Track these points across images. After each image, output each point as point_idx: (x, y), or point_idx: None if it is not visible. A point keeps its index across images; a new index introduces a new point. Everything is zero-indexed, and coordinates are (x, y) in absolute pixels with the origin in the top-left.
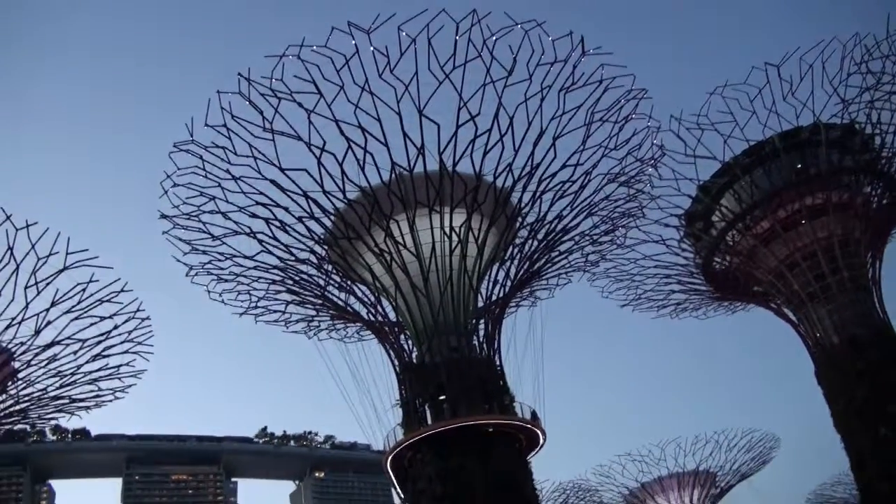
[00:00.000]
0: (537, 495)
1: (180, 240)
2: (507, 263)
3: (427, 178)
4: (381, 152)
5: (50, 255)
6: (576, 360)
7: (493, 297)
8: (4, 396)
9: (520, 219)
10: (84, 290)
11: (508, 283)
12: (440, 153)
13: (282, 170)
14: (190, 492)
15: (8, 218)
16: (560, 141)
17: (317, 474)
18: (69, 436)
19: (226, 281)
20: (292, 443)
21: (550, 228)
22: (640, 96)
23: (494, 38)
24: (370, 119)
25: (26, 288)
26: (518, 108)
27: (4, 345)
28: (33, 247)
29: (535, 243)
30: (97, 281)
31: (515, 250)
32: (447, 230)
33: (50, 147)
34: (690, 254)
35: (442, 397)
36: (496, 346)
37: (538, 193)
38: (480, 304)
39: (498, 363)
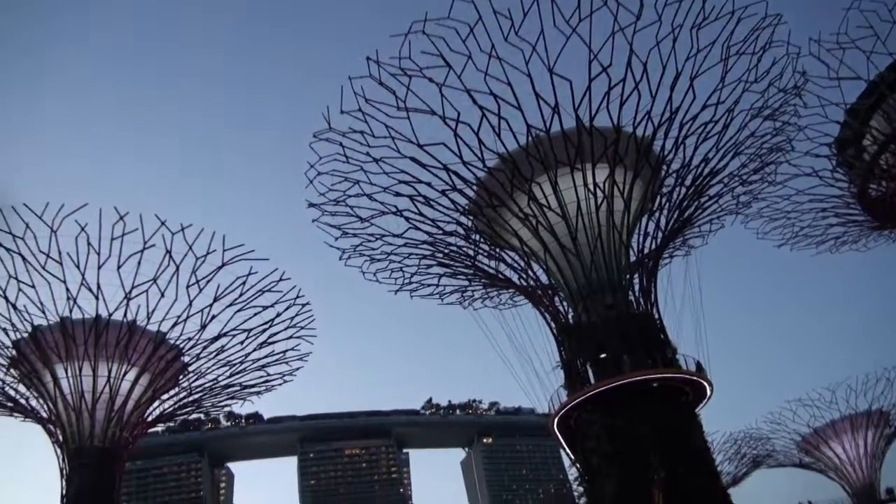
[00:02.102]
0: (708, 447)
1: (330, 225)
2: (657, 214)
3: (565, 136)
4: (516, 116)
5: (208, 253)
6: (737, 306)
7: (646, 251)
8: (178, 389)
9: (664, 167)
10: (244, 283)
11: (660, 235)
12: (575, 110)
13: (420, 146)
14: (364, 465)
15: (163, 224)
16: (698, 81)
17: (485, 440)
18: (243, 421)
19: (378, 260)
20: (458, 412)
21: (697, 173)
22: (776, 23)
23: None
24: (501, 85)
25: (188, 287)
26: (650, 53)
27: (173, 342)
28: (191, 248)
29: (683, 190)
30: (256, 273)
31: (663, 200)
32: (591, 187)
33: (192, 147)
34: (845, 183)
35: (603, 355)
36: (653, 299)
37: (681, 138)
38: (633, 258)
39: (657, 316)
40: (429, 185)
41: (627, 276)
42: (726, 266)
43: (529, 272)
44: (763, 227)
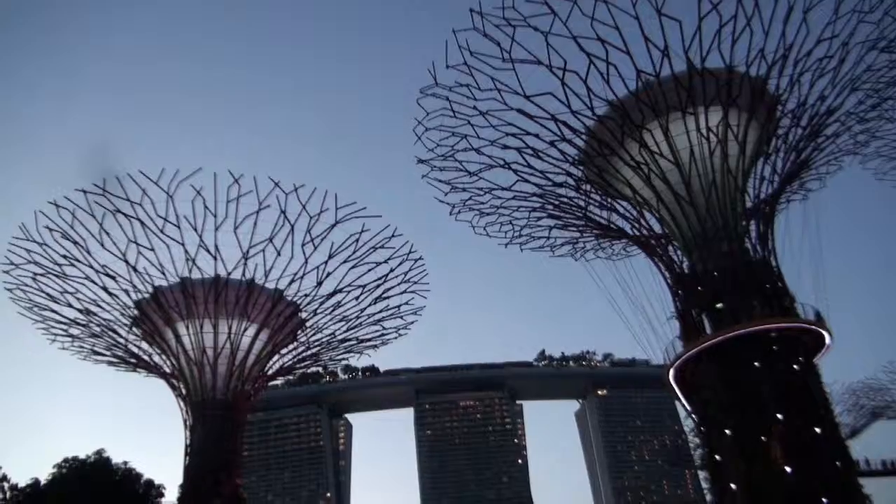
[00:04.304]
0: (827, 398)
1: (439, 181)
2: (772, 157)
3: (676, 79)
4: (625, 62)
5: (321, 212)
6: (856, 252)
7: (762, 196)
8: (296, 343)
9: (780, 107)
10: (357, 239)
11: (776, 179)
12: (686, 51)
13: (527, 97)
14: (478, 416)
15: (277, 185)
16: (810, 14)
17: (599, 392)
18: (360, 373)
19: (487, 214)
20: (571, 363)
21: (813, 112)
22: None
23: None
24: (608, 29)
25: (303, 245)
26: None
27: (291, 298)
28: (304, 207)
29: (800, 131)
30: (368, 230)
31: (779, 142)
32: (704, 131)
33: (303, 109)
34: None
35: (719, 305)
36: (770, 246)
37: (796, 76)
38: (749, 204)
39: (774, 264)
40: (537, 136)
41: (743, 223)
42: (845, 210)
43: (642, 221)
44: (882, 167)
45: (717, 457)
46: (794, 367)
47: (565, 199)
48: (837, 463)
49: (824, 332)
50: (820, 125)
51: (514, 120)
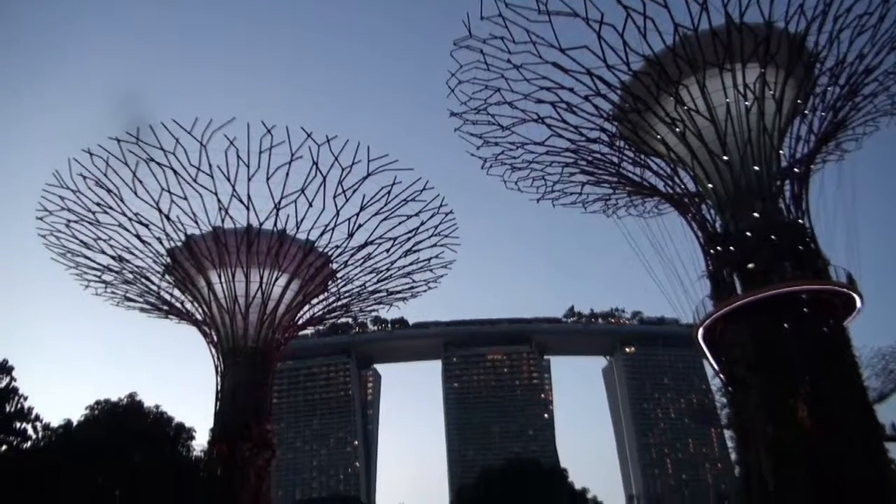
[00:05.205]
0: (856, 362)
1: (472, 134)
2: (809, 116)
3: (713, 34)
4: (662, 15)
5: (353, 164)
6: (891, 215)
7: (797, 156)
8: (327, 294)
9: (818, 65)
10: (389, 192)
11: (812, 138)
12: (724, 5)
13: (562, 50)
14: (505, 370)
15: (309, 136)
16: None
17: (626, 349)
18: (389, 325)
19: (520, 169)
20: (600, 320)
21: (852, 71)
22: None
23: None
24: None
25: (335, 196)
26: None
27: (322, 249)
28: (336, 158)
29: (837, 90)
30: (400, 182)
31: (816, 101)
32: (741, 88)
33: (335, 60)
34: None
35: (751, 265)
36: (804, 207)
37: (835, 32)
38: (784, 164)
39: (808, 226)
40: (571, 90)
41: (778, 183)
42: (881, 172)
43: (676, 179)
44: None
45: (744, 417)
46: (824, 329)
47: (598, 155)
48: (864, 427)
49: (855, 296)
50: (858, 84)
51: (548, 73)
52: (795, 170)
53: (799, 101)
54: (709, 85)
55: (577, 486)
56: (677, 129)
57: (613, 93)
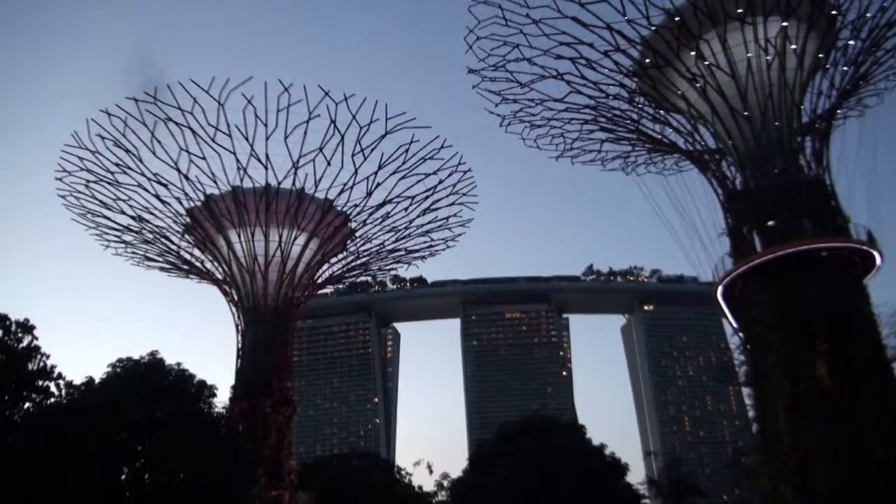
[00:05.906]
0: (875, 319)
1: (490, 91)
2: (830, 71)
3: None
4: None
5: (371, 122)
6: None
7: (818, 111)
8: (345, 253)
9: (839, 18)
10: (407, 150)
11: (833, 93)
12: None
13: (581, 4)
14: (524, 328)
15: (327, 94)
16: None
17: (645, 308)
18: (408, 284)
19: (538, 126)
20: (619, 279)
21: (874, 24)
22: None
23: None
24: None
25: (353, 155)
26: None
27: (340, 208)
28: (354, 117)
29: (859, 44)
30: (418, 141)
31: (837, 55)
32: (762, 42)
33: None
34: None
35: (771, 223)
36: (825, 164)
37: None
38: (805, 120)
39: (828, 182)
40: (591, 46)
41: (799, 139)
42: None
43: (696, 136)
44: None
45: (762, 374)
46: (844, 287)
47: (618, 112)
48: (882, 384)
49: (875, 253)
50: (880, 38)
51: (567, 28)
52: (816, 126)
53: (820, 55)
54: (730, 39)
55: (595, 442)
56: (698, 85)
57: (634, 48)
